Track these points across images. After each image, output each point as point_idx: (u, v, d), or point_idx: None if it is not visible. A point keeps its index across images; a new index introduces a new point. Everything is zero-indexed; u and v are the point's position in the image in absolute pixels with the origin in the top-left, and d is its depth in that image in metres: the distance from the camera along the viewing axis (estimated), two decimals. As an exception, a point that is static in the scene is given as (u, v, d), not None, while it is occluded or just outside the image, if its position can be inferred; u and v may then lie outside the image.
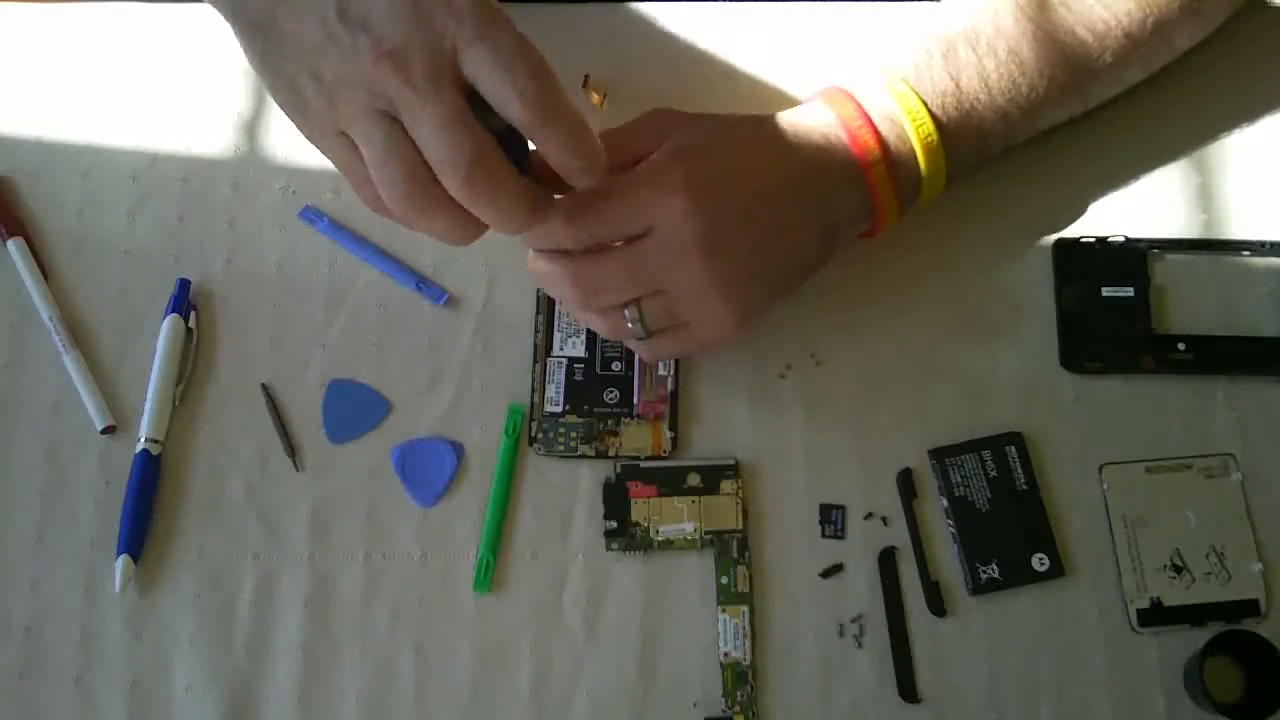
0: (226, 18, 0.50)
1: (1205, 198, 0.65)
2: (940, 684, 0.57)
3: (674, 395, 0.61)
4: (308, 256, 0.64)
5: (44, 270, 0.63)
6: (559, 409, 0.61)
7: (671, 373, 0.61)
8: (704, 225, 0.52)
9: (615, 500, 0.60)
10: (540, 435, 0.61)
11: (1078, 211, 0.65)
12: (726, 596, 0.58)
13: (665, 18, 0.68)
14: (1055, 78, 0.59)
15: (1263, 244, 0.64)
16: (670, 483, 0.60)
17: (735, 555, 0.59)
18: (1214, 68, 0.65)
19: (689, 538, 0.59)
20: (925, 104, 0.57)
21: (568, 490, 0.60)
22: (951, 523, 0.59)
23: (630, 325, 0.55)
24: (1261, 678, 0.56)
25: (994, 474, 0.60)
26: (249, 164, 0.65)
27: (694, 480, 0.60)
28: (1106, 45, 0.59)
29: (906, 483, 0.60)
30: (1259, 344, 0.62)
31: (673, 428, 0.61)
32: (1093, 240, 0.64)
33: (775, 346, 0.62)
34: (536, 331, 0.62)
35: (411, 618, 0.58)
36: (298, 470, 0.60)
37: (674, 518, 0.59)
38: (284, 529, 0.59)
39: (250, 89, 0.67)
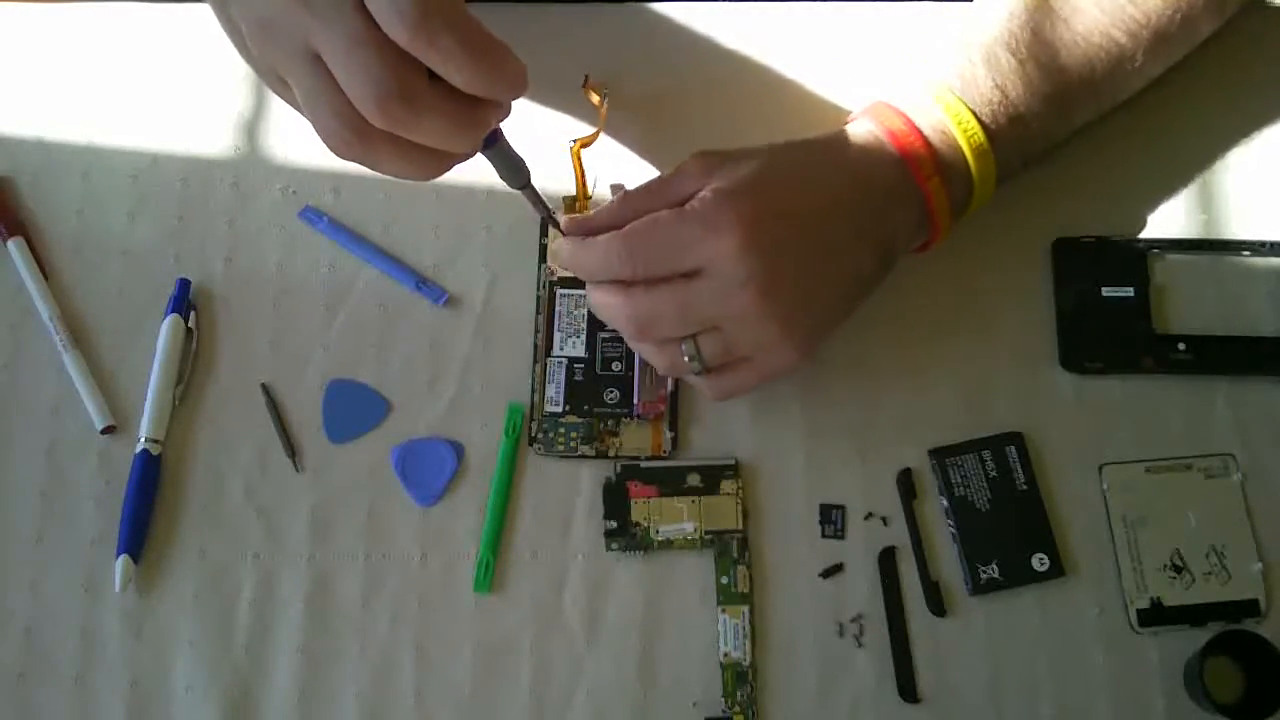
0: None
1: (1205, 198, 0.65)
2: (940, 684, 0.57)
3: (674, 395, 0.61)
4: (308, 256, 0.64)
5: (44, 270, 0.63)
6: (559, 409, 0.61)
7: (671, 373, 0.61)
8: (757, 263, 0.52)
9: (615, 500, 0.60)
10: (540, 435, 0.61)
11: (1078, 211, 0.65)
12: (726, 596, 0.58)
13: (665, 18, 0.68)
14: (1092, 79, 0.59)
15: (1263, 244, 0.64)
16: (670, 483, 0.60)
17: (735, 555, 0.59)
18: (1214, 68, 0.65)
19: (689, 538, 0.59)
20: (974, 113, 0.57)
21: (568, 490, 0.60)
22: (951, 523, 0.60)
23: (687, 360, 0.55)
24: (1261, 678, 0.56)
25: (994, 474, 0.60)
26: (249, 164, 0.65)
27: (694, 480, 0.60)
28: (1139, 44, 0.60)
29: (906, 483, 0.60)
30: (1259, 344, 0.62)
31: (673, 428, 0.61)
32: (1093, 240, 0.64)
33: (775, 346, 0.62)
34: (536, 331, 0.62)
35: (411, 618, 0.58)
36: (298, 470, 0.60)
37: (674, 518, 0.59)
38: (284, 529, 0.59)
39: (250, 89, 0.66)
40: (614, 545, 0.59)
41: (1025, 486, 0.60)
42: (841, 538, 0.60)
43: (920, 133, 0.56)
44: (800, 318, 0.54)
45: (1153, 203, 0.65)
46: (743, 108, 0.66)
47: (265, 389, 0.61)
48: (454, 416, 0.61)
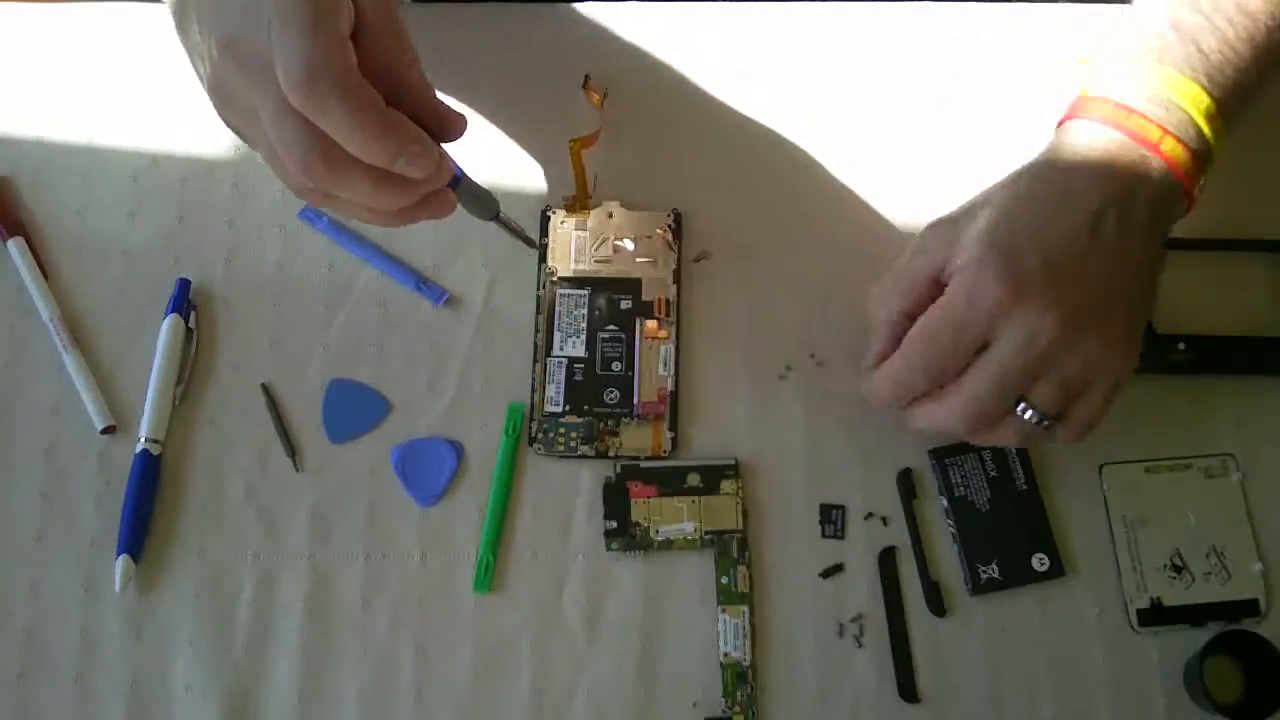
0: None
1: (1205, 198, 0.65)
2: (940, 684, 0.57)
3: (674, 395, 0.61)
4: (308, 256, 0.64)
5: (44, 270, 0.63)
6: (559, 409, 0.61)
7: (671, 373, 0.61)
8: (1040, 297, 0.51)
9: (615, 500, 0.60)
10: (540, 435, 0.61)
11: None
12: (726, 596, 0.58)
13: (665, 18, 0.68)
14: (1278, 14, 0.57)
15: (1263, 244, 0.64)
16: (670, 483, 0.60)
17: (735, 555, 0.59)
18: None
19: (689, 538, 0.59)
20: (1181, 73, 0.55)
21: (568, 490, 0.60)
22: (951, 523, 0.59)
23: (1035, 423, 0.54)
24: (1261, 678, 0.56)
25: (994, 474, 0.60)
26: (249, 164, 0.65)
27: (694, 480, 0.60)
28: None
29: (906, 483, 0.60)
30: (1259, 344, 0.62)
31: (673, 428, 0.61)
32: (1093, 240, 0.64)
33: (775, 346, 0.62)
34: (536, 331, 0.62)
35: (411, 618, 0.58)
36: (298, 470, 0.60)
37: (674, 518, 0.59)
38: (284, 529, 0.59)
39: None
40: (614, 545, 0.59)
41: (1025, 486, 0.60)
42: (841, 538, 0.60)
43: (1131, 108, 0.55)
44: (1113, 320, 0.53)
45: (1153, 203, 0.65)
46: (743, 108, 0.66)
47: (265, 389, 0.61)
48: (454, 416, 0.61)
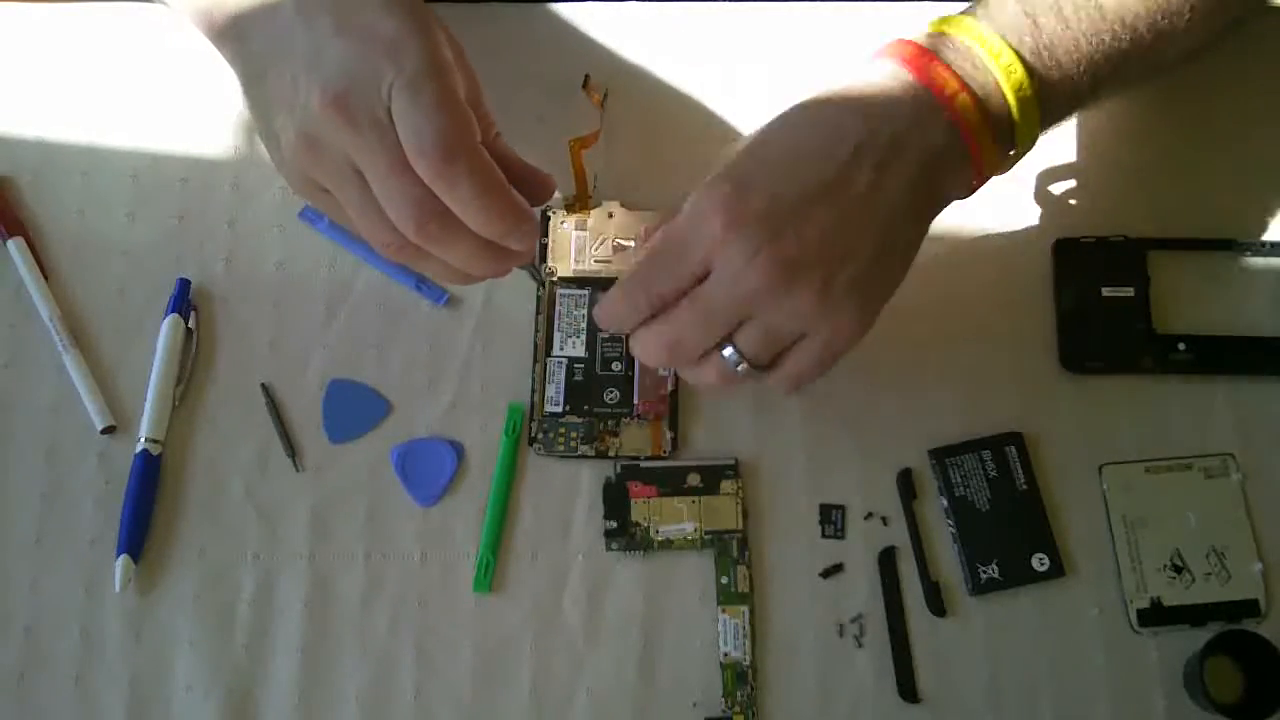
0: (231, 66, 0.54)
1: (1205, 198, 0.65)
2: (940, 684, 0.57)
3: (674, 395, 0.61)
4: (308, 256, 0.64)
5: (44, 270, 0.63)
6: (559, 409, 0.61)
7: (672, 373, 0.61)
8: (754, 234, 0.48)
9: (615, 500, 0.60)
10: (540, 435, 0.61)
11: (1078, 211, 0.65)
12: (726, 596, 0.58)
13: (665, 18, 0.68)
14: (1137, 28, 0.54)
15: (1263, 244, 0.64)
16: (670, 483, 0.60)
17: (735, 555, 0.59)
18: (1215, 67, 0.65)
19: (689, 538, 0.59)
20: (1001, 36, 0.52)
21: (568, 490, 0.60)
22: (951, 523, 0.60)
23: (735, 366, 0.51)
24: (1261, 678, 0.56)
25: (994, 474, 0.60)
26: (249, 164, 0.65)
27: (694, 480, 0.60)
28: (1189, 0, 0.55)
29: (906, 483, 0.60)
30: (1259, 344, 0.62)
31: (673, 428, 0.61)
32: (1093, 240, 0.64)
33: (775, 346, 0.62)
34: (536, 331, 0.62)
35: (411, 618, 0.58)
36: (298, 470, 0.60)
37: (674, 518, 0.59)
38: (284, 529, 0.59)
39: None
40: (614, 545, 0.59)
41: (1025, 486, 0.60)
42: (841, 538, 0.60)
43: (938, 55, 0.51)
44: (834, 275, 0.49)
45: (1154, 203, 0.65)
46: (743, 108, 0.66)
47: (265, 389, 0.61)
48: (454, 416, 0.61)
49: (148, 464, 0.59)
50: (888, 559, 0.59)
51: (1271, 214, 0.65)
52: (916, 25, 0.67)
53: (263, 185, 0.65)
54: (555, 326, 0.62)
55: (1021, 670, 0.58)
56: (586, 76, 0.65)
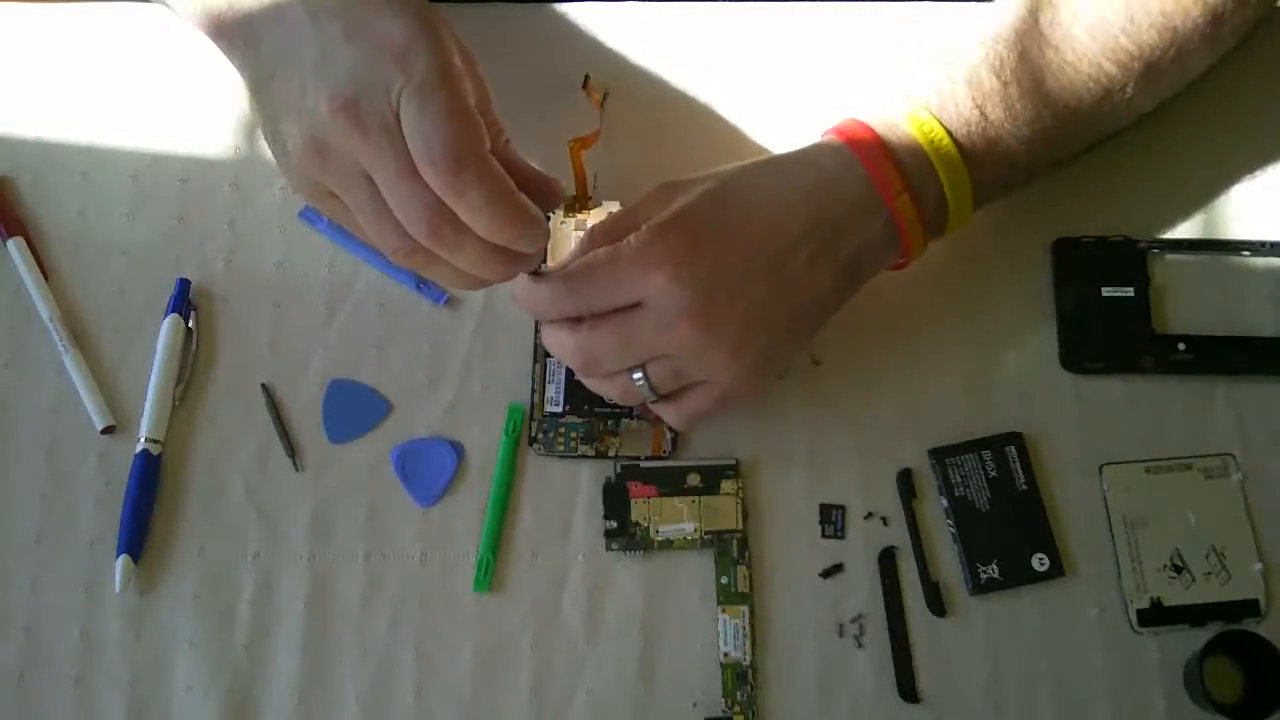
0: (239, 71, 0.54)
1: (1205, 198, 0.65)
2: (940, 684, 0.57)
3: (674, 395, 0.61)
4: (308, 256, 0.64)
5: (44, 270, 0.63)
6: (559, 409, 0.61)
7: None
8: (690, 294, 0.51)
9: (615, 500, 0.60)
10: (540, 435, 0.61)
11: (1078, 211, 0.65)
12: (726, 596, 0.58)
13: (665, 18, 0.68)
14: (1079, 109, 0.58)
15: (1263, 244, 0.64)
16: (670, 483, 0.60)
17: (735, 555, 0.59)
18: (1214, 68, 0.65)
19: (689, 538, 0.59)
20: (950, 132, 0.56)
21: (568, 490, 0.60)
22: (951, 523, 0.60)
23: (639, 390, 0.55)
24: (1261, 678, 0.56)
25: (994, 474, 0.60)
26: (249, 164, 0.65)
27: (694, 480, 0.60)
28: (1130, 76, 0.58)
29: (906, 483, 0.60)
30: (1259, 344, 0.62)
31: (673, 428, 0.61)
32: (1093, 240, 0.64)
33: (775, 346, 0.62)
34: (537, 331, 0.62)
35: (411, 618, 0.58)
36: (298, 470, 0.60)
37: (674, 518, 0.59)
38: (284, 529, 0.59)
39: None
40: (614, 545, 0.59)
41: (1025, 486, 0.60)
42: (841, 538, 0.60)
43: (889, 149, 0.55)
44: (749, 344, 0.53)
45: (1153, 203, 0.65)
46: (743, 109, 0.66)
47: (265, 389, 0.61)
48: (454, 416, 0.61)
49: (148, 464, 0.59)
50: (888, 559, 0.59)
51: (1271, 214, 0.65)
52: (918, 26, 0.68)
53: (263, 185, 0.65)
54: (555, 326, 0.62)
55: (1021, 670, 0.58)
56: (586, 76, 0.65)
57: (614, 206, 0.63)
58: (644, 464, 0.60)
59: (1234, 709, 0.55)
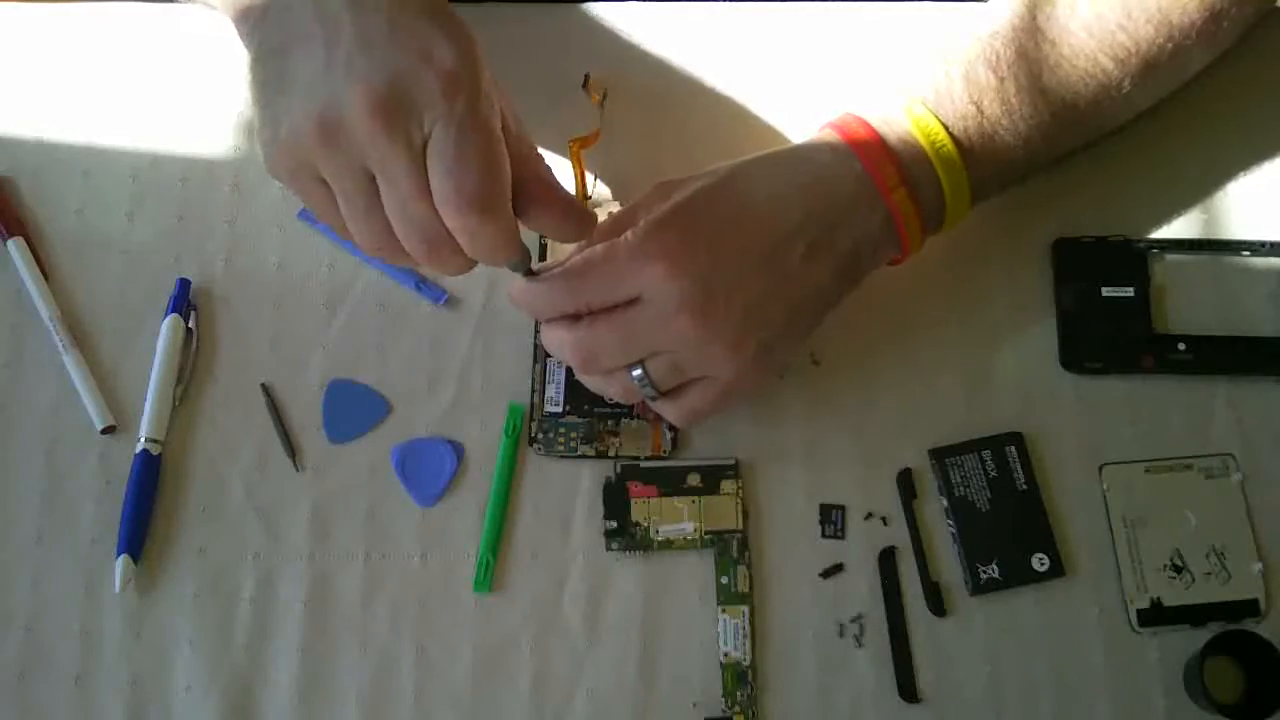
0: (244, 40, 0.51)
1: (1205, 198, 0.65)
2: (940, 684, 0.57)
3: (674, 395, 0.61)
4: (308, 256, 0.64)
5: (44, 270, 0.63)
6: (559, 409, 0.61)
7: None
8: (688, 289, 0.51)
9: (615, 500, 0.60)
10: (540, 435, 0.61)
11: (1078, 211, 0.65)
12: (726, 596, 0.58)
13: (665, 18, 0.68)
14: (1075, 104, 0.58)
15: (1263, 244, 0.64)
16: (670, 483, 0.60)
17: (735, 555, 0.59)
18: (1214, 68, 0.65)
19: (689, 538, 0.59)
20: (946, 127, 0.56)
21: (568, 490, 0.60)
22: (951, 523, 0.60)
23: (639, 386, 0.54)
24: (1261, 678, 0.56)
25: (994, 474, 0.60)
26: (249, 164, 0.65)
27: (694, 480, 0.60)
28: (1127, 72, 0.58)
29: (906, 483, 0.60)
30: (1259, 344, 0.62)
31: (672, 428, 0.61)
32: (1093, 240, 0.64)
33: (775, 346, 0.62)
34: (536, 331, 0.62)
35: (411, 618, 0.58)
36: (298, 470, 0.60)
37: (674, 518, 0.59)
38: (284, 529, 0.59)
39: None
40: (614, 545, 0.59)
41: (1025, 486, 0.60)
42: (841, 538, 0.60)
43: (885, 144, 0.55)
44: (748, 337, 0.53)
45: (1153, 203, 0.65)
46: (743, 108, 0.66)
47: (265, 389, 0.61)
48: (454, 416, 0.61)
49: (148, 464, 0.59)
50: (888, 559, 0.59)
51: (1271, 214, 0.65)
52: (918, 26, 0.68)
53: (263, 185, 0.65)
54: (555, 326, 0.62)
55: (1021, 670, 0.58)
56: (586, 76, 0.65)
57: (614, 207, 0.63)
58: (644, 464, 0.60)
59: (1234, 709, 0.56)
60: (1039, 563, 0.59)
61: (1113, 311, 0.63)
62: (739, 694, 0.57)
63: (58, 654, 0.57)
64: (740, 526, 0.59)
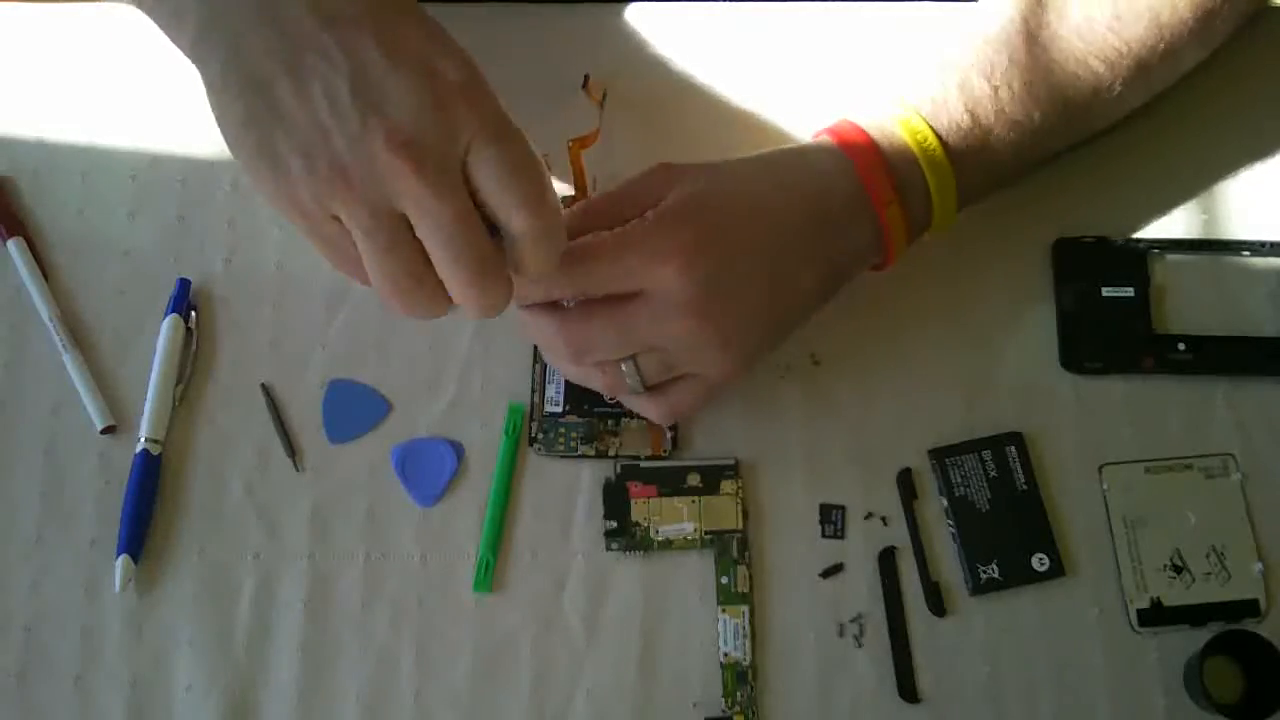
0: (209, 65, 0.47)
1: (1205, 198, 0.65)
2: (940, 684, 0.57)
3: (674, 395, 0.61)
4: (308, 256, 0.63)
5: (44, 270, 0.63)
6: (559, 409, 0.61)
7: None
8: (695, 288, 0.51)
9: (615, 500, 0.60)
10: (540, 435, 0.60)
11: (1078, 211, 0.65)
12: (726, 596, 0.58)
13: (665, 18, 0.68)
14: (1068, 108, 0.59)
15: (1263, 244, 0.64)
16: (670, 483, 0.60)
17: (735, 555, 0.59)
18: (1214, 68, 0.65)
19: (689, 538, 0.59)
20: (941, 139, 0.56)
21: (568, 490, 0.60)
22: (951, 523, 0.60)
23: (627, 381, 0.54)
24: (1261, 678, 0.56)
25: (994, 474, 0.60)
26: (249, 164, 0.65)
27: (694, 480, 0.60)
28: (1118, 74, 0.59)
29: (906, 483, 0.60)
30: (1259, 344, 0.62)
31: (673, 428, 0.61)
32: (1093, 240, 0.64)
33: (775, 346, 0.62)
34: (536, 331, 0.62)
35: (411, 618, 0.58)
36: (298, 470, 0.60)
37: (674, 518, 0.59)
38: (284, 529, 0.59)
39: (250, 89, 0.66)
40: (614, 545, 0.59)
41: (1025, 486, 0.60)
42: (841, 538, 0.60)
43: (881, 155, 0.56)
44: (739, 337, 0.53)
45: (1153, 203, 0.65)
46: (743, 108, 0.66)
47: (265, 389, 0.61)
48: (454, 416, 0.61)
49: (148, 464, 0.59)
50: (888, 559, 0.59)
51: (1271, 214, 0.65)
52: (918, 26, 0.68)
53: (263, 185, 0.65)
54: (555, 326, 0.62)
55: (1021, 670, 0.58)
56: (586, 76, 0.65)
57: (614, 206, 0.63)
58: (644, 464, 0.60)
59: (1234, 709, 0.56)
60: (1039, 563, 0.59)
61: (1113, 312, 0.63)
62: (739, 694, 0.57)
63: (58, 654, 0.57)
64: (740, 526, 0.59)
